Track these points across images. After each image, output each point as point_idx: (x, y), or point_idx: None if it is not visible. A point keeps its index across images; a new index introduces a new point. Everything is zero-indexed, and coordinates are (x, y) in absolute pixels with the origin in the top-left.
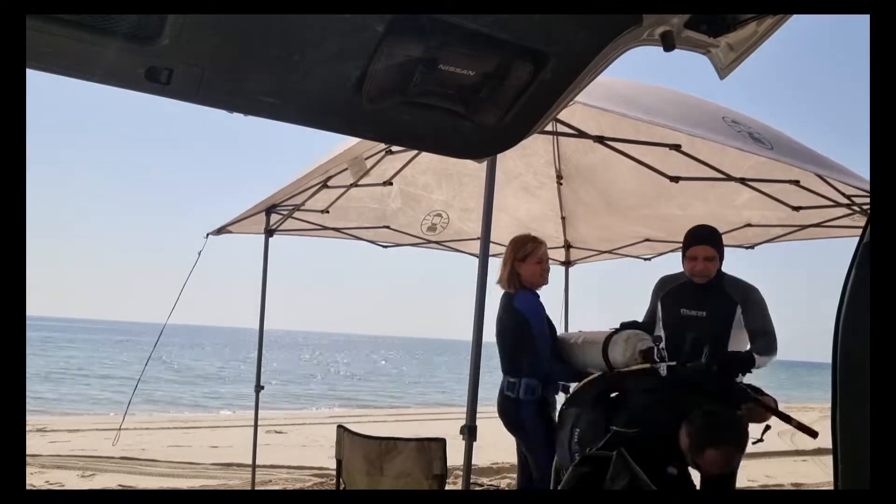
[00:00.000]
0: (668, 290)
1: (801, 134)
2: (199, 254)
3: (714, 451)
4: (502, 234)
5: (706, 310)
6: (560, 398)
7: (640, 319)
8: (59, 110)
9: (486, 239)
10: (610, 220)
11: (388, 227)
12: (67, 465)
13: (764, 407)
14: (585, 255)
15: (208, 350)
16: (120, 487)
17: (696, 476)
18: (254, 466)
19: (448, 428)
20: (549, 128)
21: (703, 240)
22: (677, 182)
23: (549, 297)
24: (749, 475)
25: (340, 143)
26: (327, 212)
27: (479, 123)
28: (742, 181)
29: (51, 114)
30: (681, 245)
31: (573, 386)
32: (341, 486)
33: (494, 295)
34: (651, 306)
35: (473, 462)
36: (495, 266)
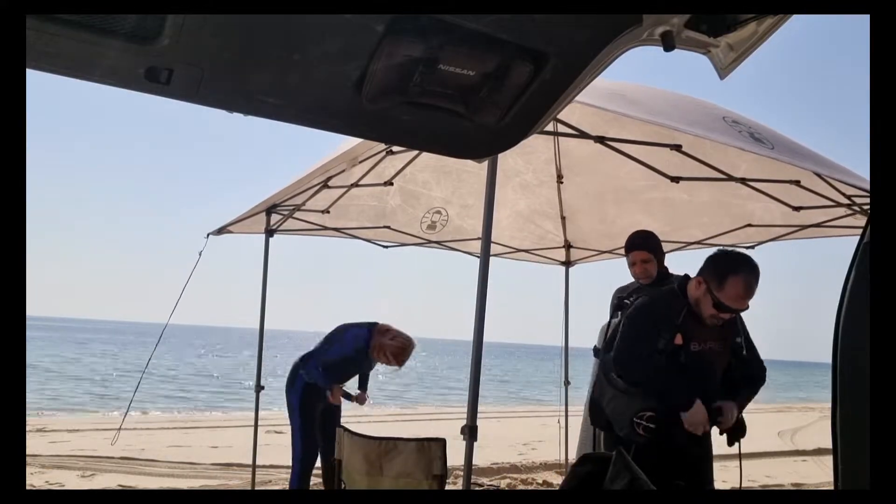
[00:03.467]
0: (624, 298)
1: (801, 133)
2: (200, 254)
3: (735, 276)
4: (502, 229)
5: None
6: None
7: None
8: (59, 110)
9: (486, 239)
10: (614, 211)
11: (388, 227)
12: (67, 465)
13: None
14: (585, 255)
15: (208, 350)
16: (120, 487)
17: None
18: (254, 466)
19: (448, 428)
20: (549, 128)
21: (636, 246)
22: (678, 182)
23: (550, 296)
24: (749, 475)
25: (341, 144)
26: (328, 212)
27: (479, 123)
28: (743, 181)
29: (51, 114)
30: (682, 244)
31: None
32: (341, 486)
33: (495, 295)
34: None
35: (473, 462)
36: (496, 266)
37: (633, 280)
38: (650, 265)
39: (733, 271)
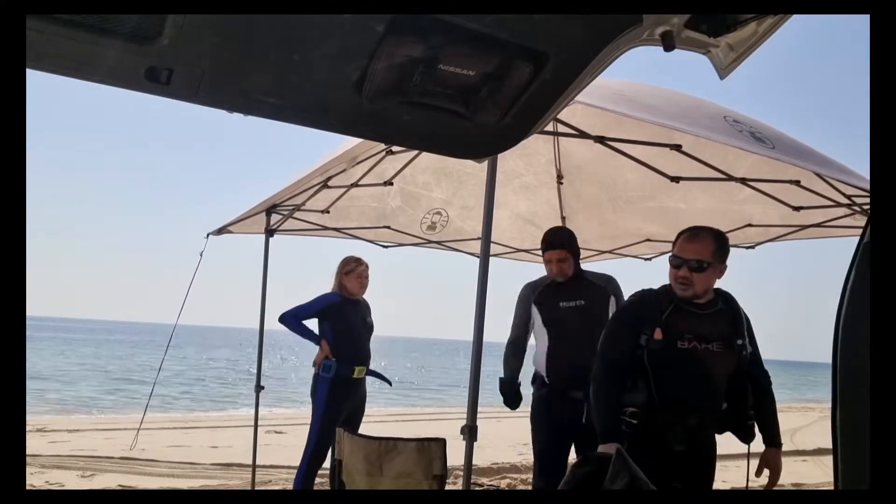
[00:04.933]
0: (539, 292)
1: (802, 133)
2: (202, 254)
3: (682, 234)
4: (502, 230)
5: (583, 299)
6: None
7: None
8: (58, 110)
9: (486, 239)
10: (612, 216)
11: (388, 227)
12: (67, 465)
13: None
14: (586, 256)
15: (208, 350)
16: (120, 487)
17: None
18: (254, 466)
19: (448, 428)
20: (549, 128)
21: (553, 245)
22: (678, 182)
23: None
24: (749, 475)
25: (341, 143)
26: (328, 212)
27: (479, 123)
28: (743, 181)
29: (51, 114)
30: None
31: None
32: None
33: (495, 295)
34: (522, 313)
35: (473, 462)
36: (496, 266)
37: (544, 275)
38: (566, 264)
39: (682, 233)
